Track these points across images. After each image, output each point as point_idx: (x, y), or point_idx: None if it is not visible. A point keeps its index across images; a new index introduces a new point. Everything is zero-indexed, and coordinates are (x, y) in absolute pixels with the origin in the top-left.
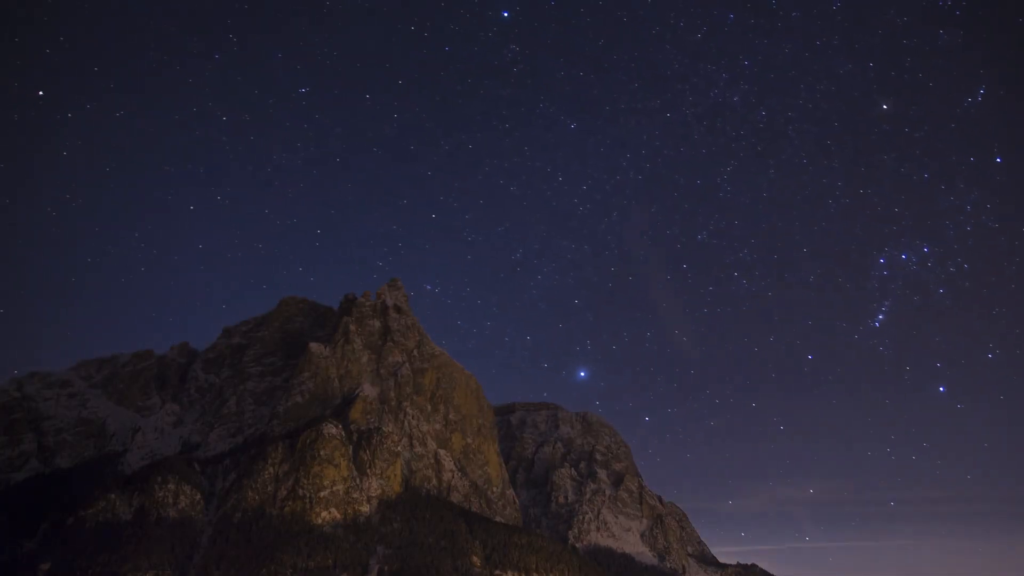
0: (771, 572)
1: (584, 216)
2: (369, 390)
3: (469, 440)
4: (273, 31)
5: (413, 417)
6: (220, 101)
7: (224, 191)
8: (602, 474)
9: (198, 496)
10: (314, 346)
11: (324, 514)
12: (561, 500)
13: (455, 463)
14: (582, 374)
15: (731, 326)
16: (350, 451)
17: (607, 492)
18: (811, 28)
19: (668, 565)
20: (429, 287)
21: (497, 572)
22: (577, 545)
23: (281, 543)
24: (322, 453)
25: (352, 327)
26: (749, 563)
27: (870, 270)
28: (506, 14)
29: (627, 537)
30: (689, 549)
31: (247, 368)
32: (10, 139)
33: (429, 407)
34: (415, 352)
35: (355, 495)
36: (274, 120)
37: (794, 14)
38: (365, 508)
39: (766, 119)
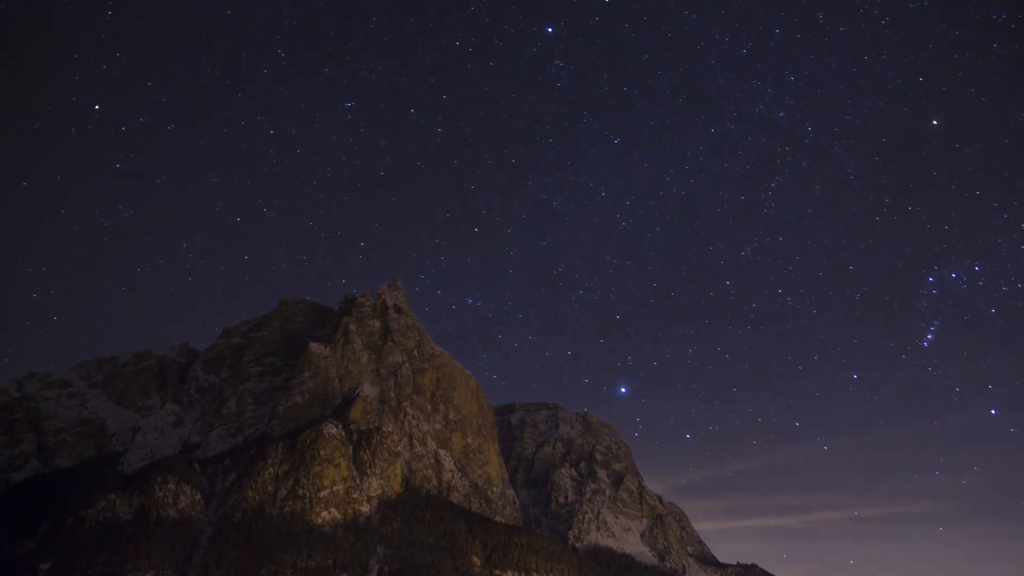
0: (771, 572)
1: (626, 231)
2: (369, 390)
3: (469, 440)
4: (320, 48)
5: (413, 417)
6: (268, 115)
7: (270, 203)
8: (602, 474)
9: (198, 496)
10: (314, 346)
11: (324, 514)
12: (561, 500)
13: (455, 463)
14: (623, 390)
15: (775, 344)
16: (350, 451)
17: (607, 492)
18: (859, 43)
19: (668, 565)
20: (470, 301)
21: (497, 572)
22: (577, 545)
23: (281, 543)
24: (322, 453)
25: (352, 327)
26: (749, 563)
27: (919, 289)
28: (550, 29)
29: (627, 537)
30: (689, 549)
31: (247, 368)
32: (67, 152)
33: (429, 407)
34: (415, 352)
35: (355, 495)
36: (320, 134)
37: (841, 29)
38: (365, 508)
39: (812, 135)
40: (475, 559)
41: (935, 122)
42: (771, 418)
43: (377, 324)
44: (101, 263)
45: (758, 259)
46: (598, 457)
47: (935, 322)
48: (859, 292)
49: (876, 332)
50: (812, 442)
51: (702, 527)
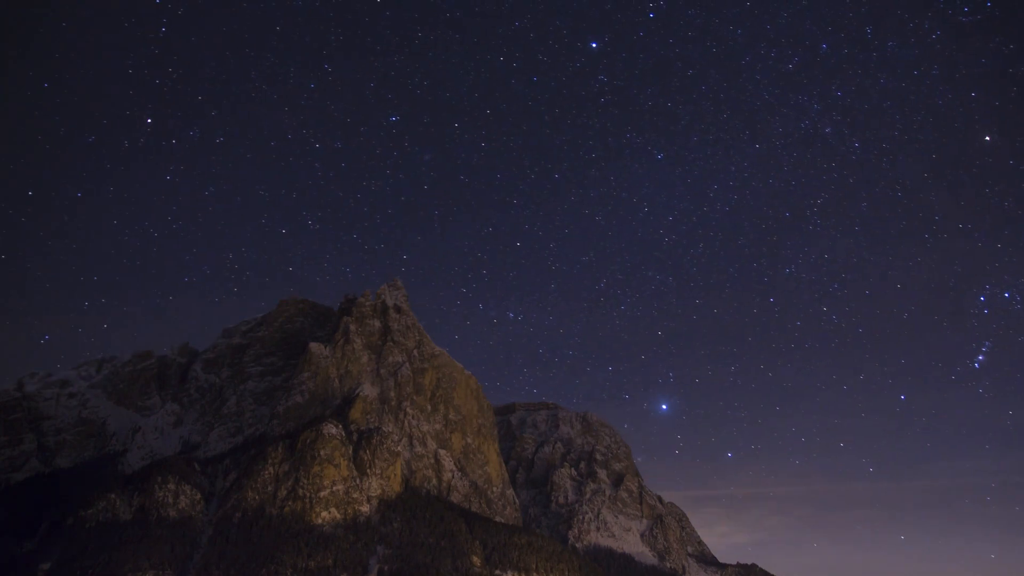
0: (771, 572)
1: (669, 247)
2: (369, 390)
3: (469, 440)
4: (366, 62)
5: (413, 417)
6: (314, 129)
7: (314, 215)
8: (602, 474)
9: (198, 496)
10: (314, 346)
11: (324, 514)
12: (561, 500)
13: (455, 463)
14: (664, 407)
15: (819, 362)
16: (350, 451)
17: (607, 492)
18: (908, 57)
19: (668, 565)
20: (512, 315)
21: (497, 572)
22: (577, 545)
23: (281, 543)
24: (322, 453)
25: (352, 327)
26: (749, 563)
27: (969, 308)
28: (594, 45)
29: (627, 537)
30: (689, 549)
31: (247, 368)
32: (120, 165)
33: (429, 407)
34: (415, 352)
35: (355, 495)
36: (365, 147)
37: (890, 43)
38: (365, 508)
39: (859, 151)
40: (475, 559)
41: (988, 138)
42: (815, 438)
43: (377, 324)
44: (151, 272)
45: (803, 276)
46: (598, 457)
47: (987, 343)
48: (907, 311)
49: (925, 352)
50: (857, 463)
51: (739, 539)
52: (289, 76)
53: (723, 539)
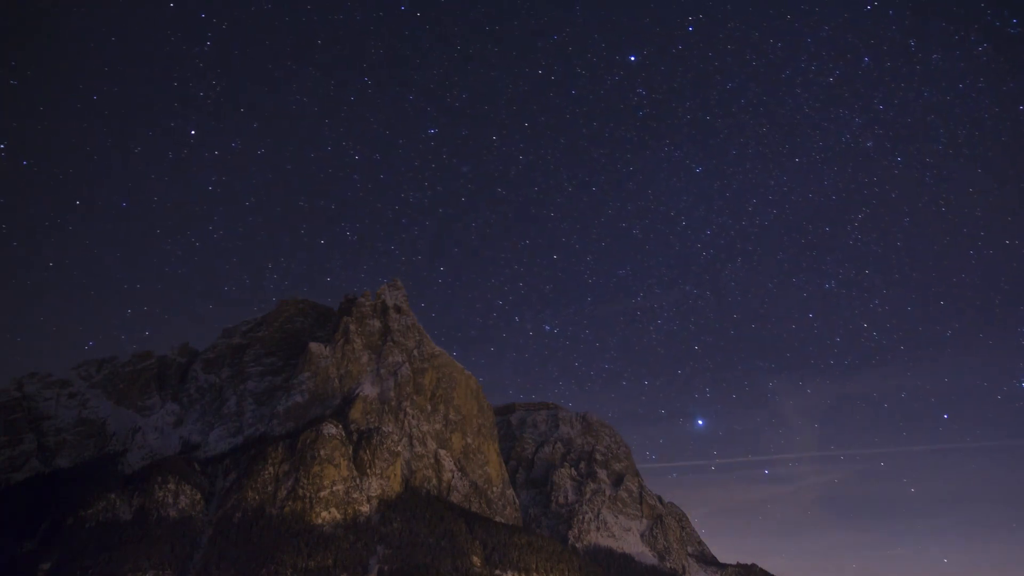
0: (771, 572)
1: (707, 261)
2: (369, 390)
3: (469, 440)
4: (405, 75)
5: (413, 417)
6: (353, 140)
7: (353, 227)
8: (602, 474)
9: (198, 496)
10: (314, 346)
11: (324, 514)
12: (561, 500)
13: (455, 463)
14: (700, 423)
15: (859, 380)
16: (350, 451)
17: (607, 492)
18: (953, 71)
19: (668, 565)
20: (548, 328)
21: (497, 572)
22: (577, 545)
23: (281, 543)
24: (322, 453)
25: (352, 327)
26: (749, 563)
27: (1015, 326)
28: (633, 58)
29: (627, 537)
30: (689, 549)
31: (247, 368)
32: (164, 175)
33: (429, 407)
34: (415, 352)
35: (355, 495)
36: (404, 159)
37: (934, 56)
38: (365, 508)
39: (902, 165)
40: (475, 559)
41: None
42: (854, 457)
43: (377, 324)
44: (192, 281)
45: (842, 292)
46: (598, 457)
47: None
48: (950, 329)
49: (969, 371)
50: (897, 482)
51: (773, 562)
52: (330, 89)
53: (767, 559)
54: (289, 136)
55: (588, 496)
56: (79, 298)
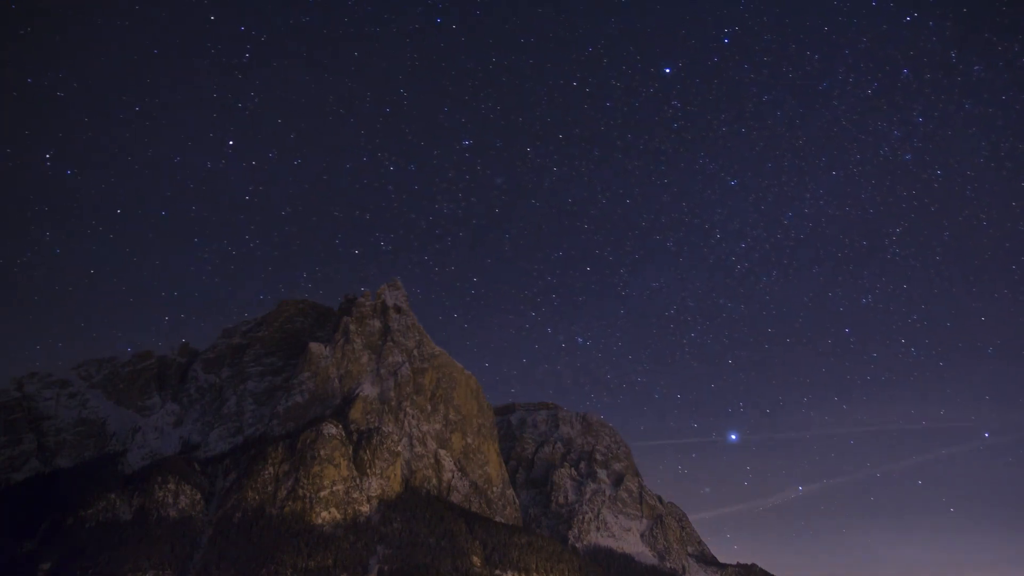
0: (771, 572)
1: (741, 274)
2: (369, 390)
3: (469, 440)
4: (440, 87)
5: (413, 417)
6: (388, 152)
7: (387, 237)
8: (602, 474)
9: (198, 496)
10: (314, 346)
11: (324, 514)
12: (561, 500)
13: (455, 463)
14: (733, 437)
15: (896, 396)
16: (350, 451)
17: (607, 492)
18: (996, 83)
19: (668, 565)
20: (580, 340)
21: (497, 572)
22: (577, 545)
23: (281, 543)
24: (322, 453)
25: (352, 327)
26: (749, 563)
27: None
28: (668, 70)
29: (627, 537)
30: (689, 549)
31: (247, 368)
32: (202, 185)
33: (429, 407)
34: (415, 352)
35: (355, 495)
36: (438, 171)
37: (976, 68)
38: (365, 508)
39: (942, 178)
40: (475, 559)
41: None
42: (892, 474)
43: (377, 324)
44: (226, 290)
45: (880, 307)
46: (598, 457)
47: None
48: (991, 345)
49: (1011, 389)
50: (937, 502)
51: None
52: (366, 100)
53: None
54: (325, 147)
55: (588, 496)
56: (116, 303)
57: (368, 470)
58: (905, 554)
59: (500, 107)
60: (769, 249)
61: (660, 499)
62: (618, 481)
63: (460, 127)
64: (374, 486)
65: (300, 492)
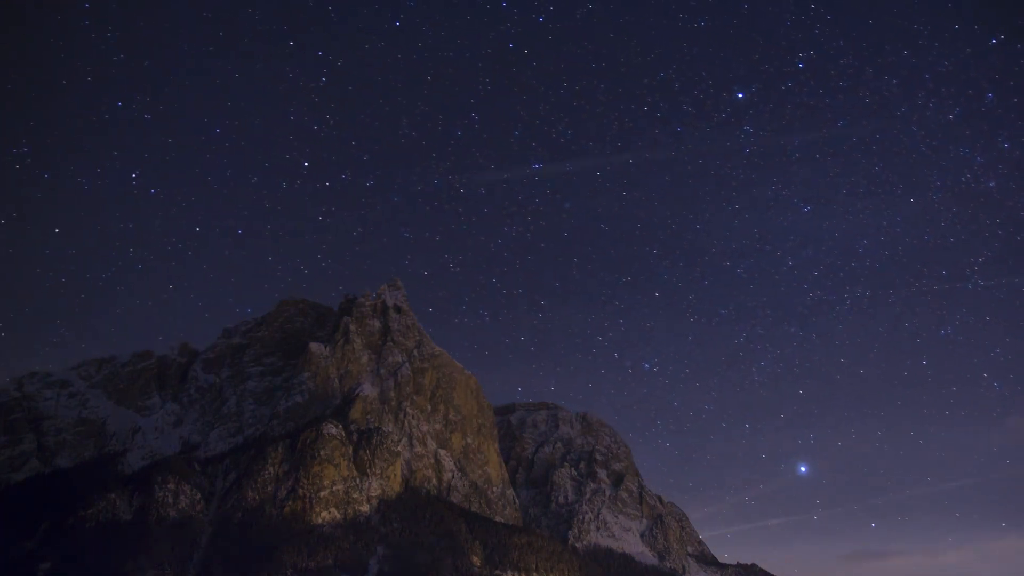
0: (771, 573)
1: (813, 303)
2: (369, 390)
3: (469, 440)
4: (511, 111)
5: (413, 417)
6: (459, 174)
7: (456, 259)
8: (602, 474)
9: (198, 496)
10: (314, 346)
11: (324, 514)
12: (561, 500)
13: (455, 463)
14: (803, 469)
15: (978, 432)
16: (350, 451)
17: (607, 492)
18: None
19: (668, 565)
20: (647, 366)
21: (497, 572)
22: (577, 545)
23: (281, 543)
24: (322, 453)
25: (352, 327)
26: (749, 563)
27: None
28: (741, 95)
29: (627, 537)
30: (689, 549)
31: (247, 368)
32: (277, 204)
33: (429, 407)
34: (415, 352)
35: (355, 495)
36: (508, 194)
37: None
38: (365, 508)
39: None
40: (475, 559)
41: None
42: (972, 515)
43: (377, 324)
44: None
45: (960, 339)
46: (598, 457)
47: None
48: None
49: None
50: (1020, 540)
51: None
52: (438, 123)
53: None
54: (397, 169)
55: (588, 496)
56: (191, 321)
57: (368, 470)
58: None
59: (571, 132)
60: (843, 277)
61: (660, 499)
62: (618, 481)
63: (530, 151)
64: (374, 486)
65: (300, 492)
